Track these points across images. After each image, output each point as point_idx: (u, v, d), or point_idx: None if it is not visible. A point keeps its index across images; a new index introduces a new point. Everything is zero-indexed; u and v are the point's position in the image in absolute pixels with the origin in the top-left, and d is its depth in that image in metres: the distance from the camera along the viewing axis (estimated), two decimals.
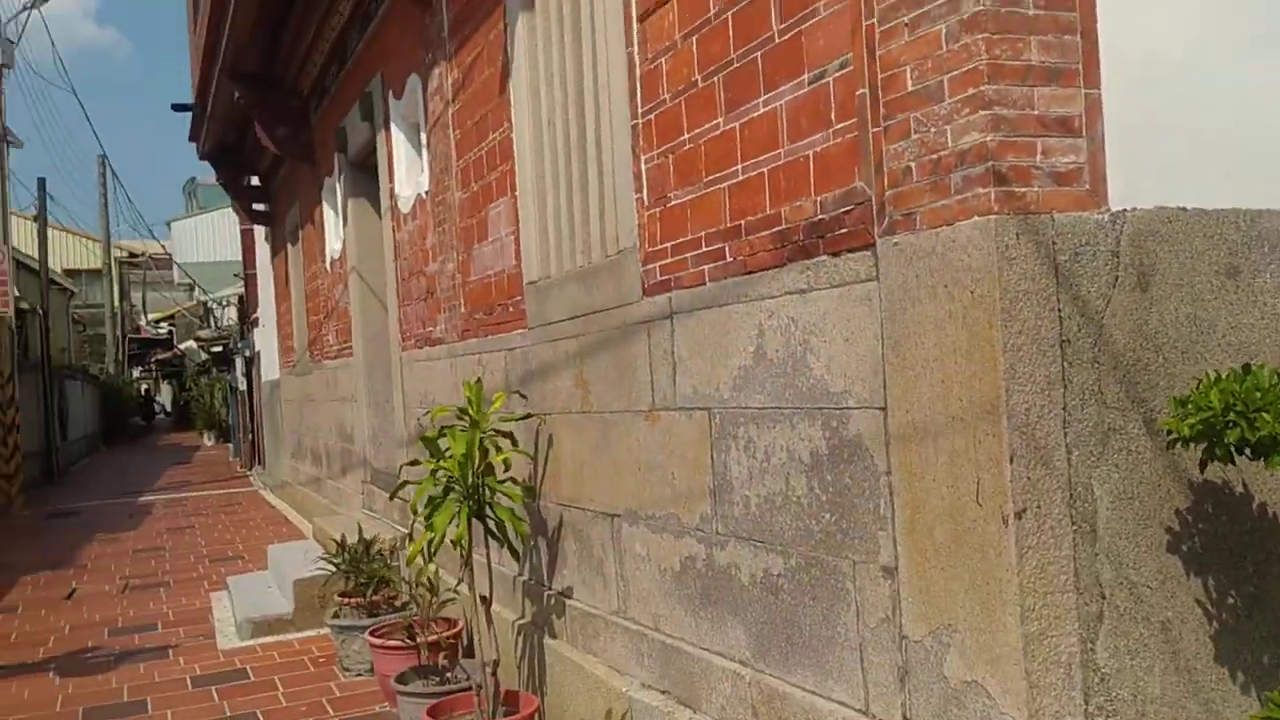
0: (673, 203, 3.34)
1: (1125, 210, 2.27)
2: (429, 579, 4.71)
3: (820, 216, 2.65)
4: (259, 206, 12.96)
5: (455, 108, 5.42)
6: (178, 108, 11.84)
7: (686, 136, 3.24)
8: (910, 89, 2.33)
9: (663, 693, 3.52)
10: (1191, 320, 2.33)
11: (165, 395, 47.10)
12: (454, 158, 5.50)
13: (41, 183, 20.43)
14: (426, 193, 6.06)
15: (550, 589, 4.48)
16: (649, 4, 3.42)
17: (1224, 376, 2.06)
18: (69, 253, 36.17)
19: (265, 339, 14.80)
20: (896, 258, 2.40)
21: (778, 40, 2.78)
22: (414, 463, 4.24)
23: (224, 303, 23.78)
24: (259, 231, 14.30)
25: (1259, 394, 1.98)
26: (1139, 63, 2.30)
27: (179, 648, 6.29)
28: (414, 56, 6.03)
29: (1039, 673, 2.15)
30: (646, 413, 3.56)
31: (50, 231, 22.07)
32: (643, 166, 3.51)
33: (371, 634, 5.07)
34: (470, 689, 4.02)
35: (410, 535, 4.34)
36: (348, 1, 7.14)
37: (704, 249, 3.17)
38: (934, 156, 2.28)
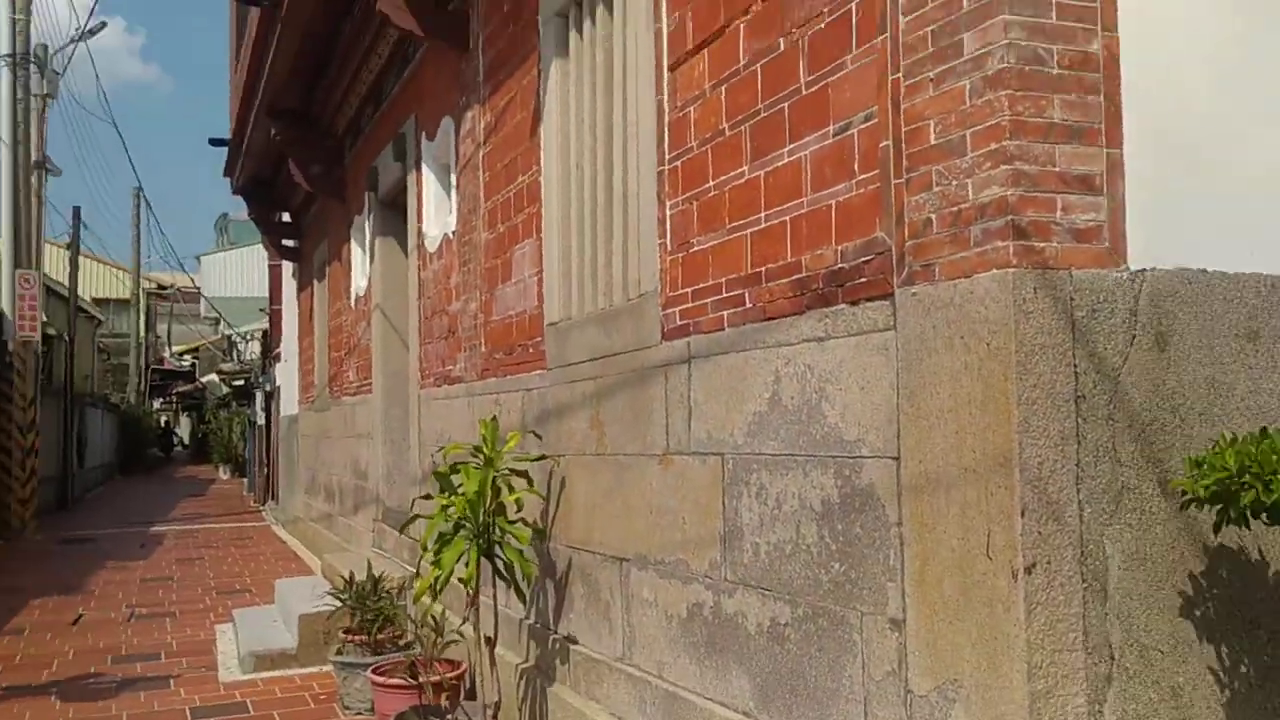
0: (695, 248, 3.37)
1: (1145, 270, 2.28)
2: (434, 618, 4.68)
3: (840, 265, 2.67)
4: (288, 242, 13.17)
5: (486, 150, 5.50)
6: (215, 142, 12.10)
7: (712, 184, 3.28)
8: (933, 142, 2.36)
9: None
10: (1210, 382, 2.33)
11: (184, 428, 47.30)
12: (482, 199, 5.57)
13: (76, 211, 20.85)
14: (453, 232, 6.14)
15: (556, 633, 4.45)
16: (680, 54, 3.48)
17: (1240, 439, 2.05)
18: (99, 281, 36.70)
19: (286, 374, 14.90)
20: (914, 308, 2.41)
21: (805, 92, 2.83)
22: (426, 496, 4.24)
23: (248, 337, 24.00)
24: (286, 268, 14.48)
25: (1275, 457, 1.97)
26: (1163, 124, 2.33)
27: (181, 678, 6.25)
28: (448, 99, 6.14)
29: None
30: (660, 456, 3.56)
31: (82, 260, 22.45)
32: (667, 212, 3.55)
33: (374, 672, 5.03)
34: None
35: (418, 572, 4.33)
36: (386, 44, 7.30)
37: (724, 294, 3.19)
38: (955, 209, 2.29)
